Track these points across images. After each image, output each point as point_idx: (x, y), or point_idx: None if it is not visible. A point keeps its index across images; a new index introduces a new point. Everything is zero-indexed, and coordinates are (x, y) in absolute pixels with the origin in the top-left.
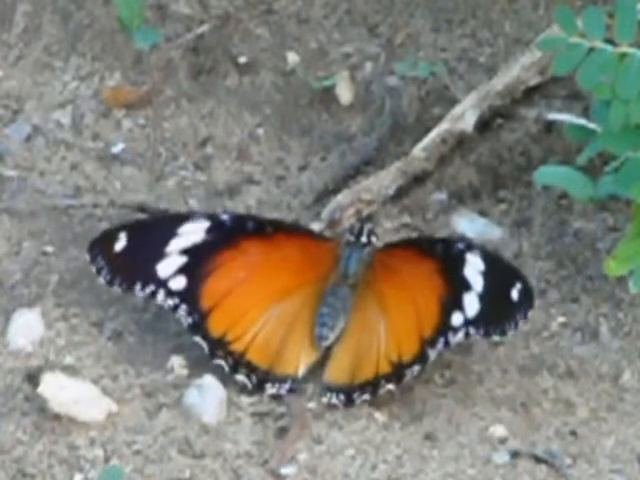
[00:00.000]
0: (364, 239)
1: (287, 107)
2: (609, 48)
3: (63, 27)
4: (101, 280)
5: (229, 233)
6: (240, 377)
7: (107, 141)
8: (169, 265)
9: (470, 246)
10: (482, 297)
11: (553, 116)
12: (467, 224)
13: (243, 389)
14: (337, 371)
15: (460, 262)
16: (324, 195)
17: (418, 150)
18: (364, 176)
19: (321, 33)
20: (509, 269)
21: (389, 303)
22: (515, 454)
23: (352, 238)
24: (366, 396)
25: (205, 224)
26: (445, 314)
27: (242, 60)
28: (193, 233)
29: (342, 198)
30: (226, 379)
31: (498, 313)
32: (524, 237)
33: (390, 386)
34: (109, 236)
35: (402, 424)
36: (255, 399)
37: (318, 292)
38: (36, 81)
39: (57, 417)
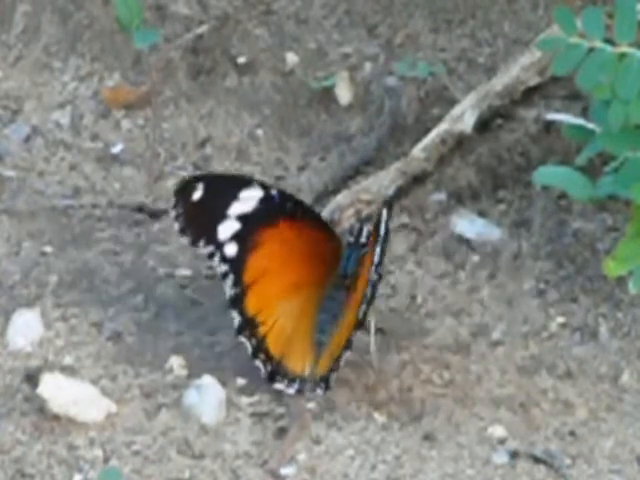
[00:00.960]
0: (363, 240)
1: (286, 107)
2: (608, 48)
3: (62, 27)
4: (175, 227)
5: (274, 210)
6: (258, 363)
7: (106, 141)
8: (228, 228)
9: (383, 202)
10: (381, 242)
11: (552, 116)
12: (466, 224)
13: (242, 389)
14: (323, 364)
15: (378, 222)
16: (323, 195)
17: (417, 150)
18: (363, 176)
19: (320, 33)
20: (389, 204)
21: (357, 293)
22: (514, 454)
23: (351, 239)
24: (335, 373)
25: (259, 194)
26: (369, 274)
27: (241, 60)
28: (248, 200)
29: (341, 198)
30: (225, 379)
31: (382, 248)
32: (523, 237)
33: (347, 353)
34: (190, 184)
35: (401, 424)
36: (254, 399)
37: (323, 292)
38: (35, 81)
39: (56, 417)
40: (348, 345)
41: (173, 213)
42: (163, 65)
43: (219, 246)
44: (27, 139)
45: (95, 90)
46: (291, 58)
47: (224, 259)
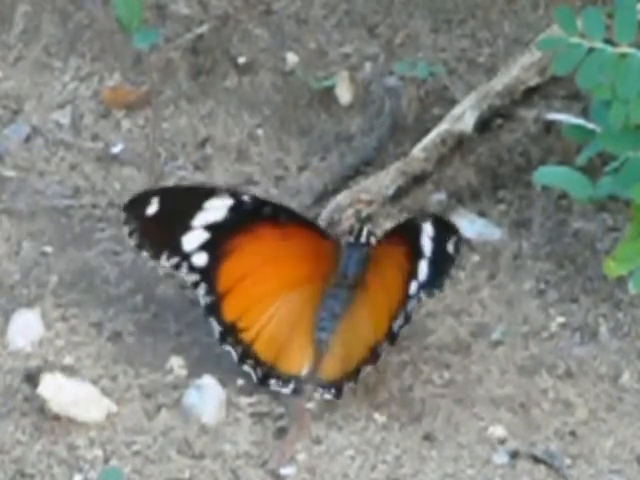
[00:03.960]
0: (363, 240)
1: (286, 107)
2: (609, 48)
3: (62, 27)
4: (131, 243)
5: (249, 215)
6: (246, 368)
7: (106, 141)
8: (194, 239)
9: (424, 215)
10: (431, 261)
11: (553, 116)
12: (466, 224)
13: (242, 389)
14: (330, 367)
15: (417, 234)
16: (323, 195)
17: (417, 150)
18: (363, 176)
19: (320, 33)
20: (448, 225)
21: (372, 295)
22: (514, 454)
23: (352, 239)
24: (351, 384)
25: (228, 202)
26: (406, 287)
27: (241, 60)
28: (217, 209)
29: (341, 198)
30: (225, 379)
31: (440, 270)
32: (523, 237)
33: (368, 368)
34: (143, 199)
35: (401, 424)
36: (254, 399)
37: (320, 291)
38: (35, 81)
39: (56, 417)
40: (372, 358)
41: (126, 229)
42: (163, 65)
43: (185, 257)
44: (27, 139)
45: (95, 90)
46: (291, 58)
47: (192, 269)
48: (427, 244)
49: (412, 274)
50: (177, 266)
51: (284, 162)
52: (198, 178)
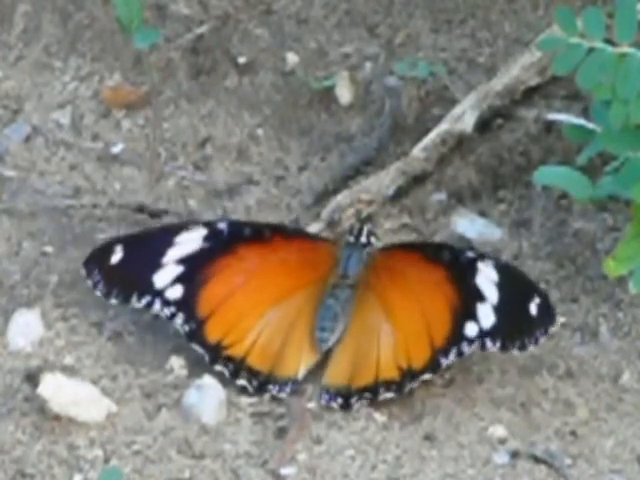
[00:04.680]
0: (364, 240)
1: (287, 107)
2: (609, 48)
3: (63, 27)
4: (97, 294)
5: (226, 240)
6: (241, 382)
7: (107, 141)
8: (166, 275)
9: (482, 255)
10: (497, 309)
11: (553, 116)
12: (467, 224)
13: (243, 390)
14: (336, 373)
15: (472, 271)
16: (324, 195)
17: (418, 150)
18: (364, 176)
19: (321, 33)
20: (526, 282)
21: (393, 307)
22: (515, 454)
23: (352, 239)
24: (364, 401)
25: (202, 232)
26: (458, 324)
27: (241, 60)
28: (190, 242)
29: (342, 198)
30: (225, 379)
31: (516, 327)
32: (524, 237)
33: (390, 394)
34: (105, 249)
35: (401, 424)
36: (255, 399)
37: (317, 294)
38: (35, 81)
39: (57, 417)
40: (403, 383)
41: (89, 282)
42: (163, 65)
43: (158, 294)
44: (27, 139)
45: (95, 90)
46: (291, 58)
47: (167, 303)
48: (489, 288)
49: (466, 313)
50: (149, 304)
51: (284, 162)
52: (198, 178)
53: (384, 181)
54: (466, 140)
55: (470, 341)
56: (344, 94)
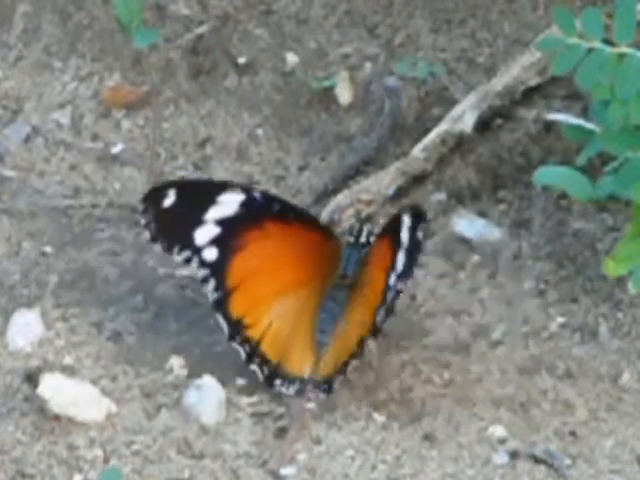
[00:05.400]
0: (363, 240)
1: (286, 107)
2: (608, 48)
3: (62, 27)
4: (146, 236)
5: (259, 212)
6: (254, 367)
7: (106, 141)
8: (205, 233)
9: (405, 207)
10: (407, 250)
11: (552, 116)
12: (466, 224)
13: (242, 389)
14: (324, 366)
15: (399, 226)
16: (323, 195)
17: (417, 150)
18: (363, 176)
19: (320, 34)
20: (419, 213)
21: (363, 293)
22: (514, 454)
23: (351, 239)
24: (340, 377)
25: (240, 197)
26: (387, 280)
27: (241, 60)
28: (228, 204)
29: (342, 198)
30: (225, 379)
31: (411, 258)
32: (523, 237)
33: (355, 361)
34: (161, 191)
35: (401, 424)
36: (254, 399)
37: (321, 292)
38: (35, 81)
39: (56, 417)
40: (358, 351)
41: (142, 221)
42: (163, 65)
43: (197, 251)
44: (27, 139)
45: (95, 90)
46: (291, 58)
47: (203, 263)
48: (405, 235)
49: (392, 266)
50: (188, 260)
51: (284, 162)
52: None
53: (384, 181)
54: (466, 140)
55: (390, 289)
56: (344, 94)
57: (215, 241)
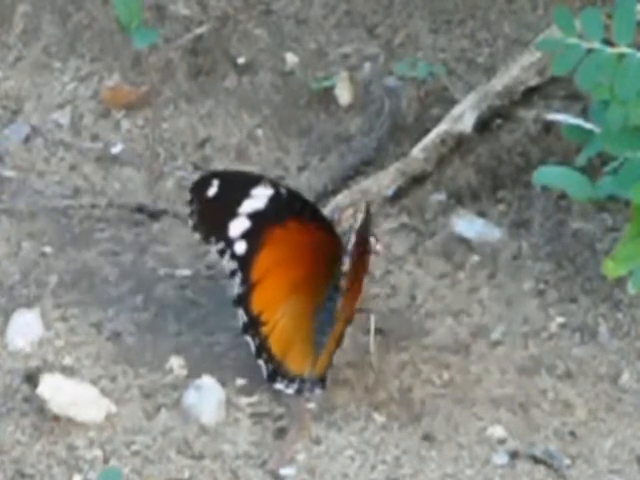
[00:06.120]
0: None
1: (286, 108)
2: (607, 49)
3: (62, 28)
4: (189, 223)
5: (283, 209)
6: (260, 362)
7: (106, 142)
8: (238, 226)
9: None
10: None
11: (552, 117)
12: (466, 225)
13: (242, 389)
14: (320, 364)
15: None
16: (323, 196)
17: (417, 151)
18: (363, 177)
19: (320, 34)
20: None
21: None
22: (514, 455)
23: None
24: (329, 367)
25: (269, 192)
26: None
27: (241, 61)
28: (259, 198)
29: (341, 198)
30: (225, 379)
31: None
32: (523, 238)
33: (337, 352)
34: (206, 180)
35: (401, 425)
36: (254, 400)
37: (323, 292)
38: (35, 82)
39: (56, 418)
40: (341, 341)
41: (188, 210)
42: (163, 65)
43: (230, 243)
44: (27, 139)
45: (95, 90)
46: (291, 58)
47: (234, 256)
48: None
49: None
50: (222, 251)
51: (284, 162)
52: None
53: (384, 181)
54: (465, 140)
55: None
56: (343, 94)
57: (245, 235)
